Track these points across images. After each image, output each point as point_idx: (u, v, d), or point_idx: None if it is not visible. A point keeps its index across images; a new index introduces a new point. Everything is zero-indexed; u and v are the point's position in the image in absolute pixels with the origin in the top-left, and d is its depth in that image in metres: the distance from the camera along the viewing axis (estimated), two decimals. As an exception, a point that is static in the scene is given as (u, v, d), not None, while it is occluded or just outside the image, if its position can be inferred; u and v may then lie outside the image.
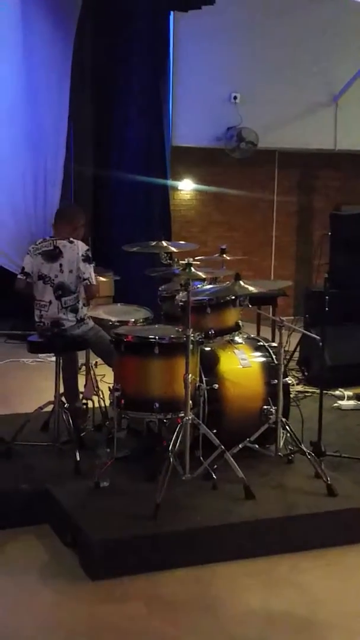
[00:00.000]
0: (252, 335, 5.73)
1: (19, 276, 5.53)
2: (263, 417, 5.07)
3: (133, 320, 5.57)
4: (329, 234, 8.30)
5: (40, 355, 7.59)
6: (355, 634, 3.72)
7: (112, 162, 9.97)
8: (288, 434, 5.02)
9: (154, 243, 5.84)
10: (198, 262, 5.19)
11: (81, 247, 5.39)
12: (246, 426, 5.02)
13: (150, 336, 4.85)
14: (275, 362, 5.14)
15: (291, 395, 5.55)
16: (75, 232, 5.53)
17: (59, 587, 4.04)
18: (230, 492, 4.65)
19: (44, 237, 5.60)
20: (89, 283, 5.35)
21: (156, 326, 5.41)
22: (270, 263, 11.48)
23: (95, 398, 5.68)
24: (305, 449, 4.92)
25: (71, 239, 5.42)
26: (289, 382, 5.48)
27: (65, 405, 5.34)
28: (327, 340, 5.39)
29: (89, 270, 5.34)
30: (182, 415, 4.67)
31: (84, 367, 5.74)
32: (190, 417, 4.66)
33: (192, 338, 4.71)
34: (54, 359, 5.55)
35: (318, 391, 5.51)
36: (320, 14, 10.78)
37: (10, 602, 3.95)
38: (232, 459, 4.66)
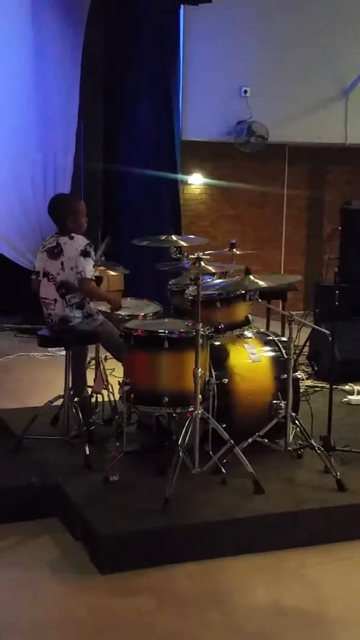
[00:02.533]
0: (262, 330, 5.73)
1: (32, 277, 5.54)
2: (272, 411, 5.06)
3: (143, 314, 5.57)
4: (340, 228, 8.28)
5: (50, 349, 7.60)
6: (364, 629, 3.71)
7: (122, 157, 9.96)
8: (297, 429, 5.01)
9: (163, 237, 5.83)
10: (208, 257, 5.16)
11: (81, 242, 5.31)
12: (256, 420, 5.02)
13: (160, 330, 4.85)
14: (285, 356, 5.12)
15: (301, 390, 5.55)
16: (71, 223, 5.40)
17: (68, 581, 4.05)
18: (240, 487, 4.65)
19: (52, 232, 5.59)
20: (80, 277, 5.26)
21: (166, 320, 5.41)
22: (280, 257, 11.45)
23: (104, 392, 5.68)
24: (314, 444, 4.91)
25: (72, 234, 5.38)
26: (299, 376, 5.47)
27: (75, 399, 5.34)
28: (337, 334, 5.38)
29: (82, 264, 5.25)
30: (192, 409, 4.67)
31: (93, 361, 5.75)
32: (199, 412, 4.66)
33: (201, 332, 4.71)
34: (63, 352, 5.55)
35: (328, 386, 5.50)
36: (331, 8, 10.73)
37: (19, 595, 3.96)
38: (241, 454, 4.65)
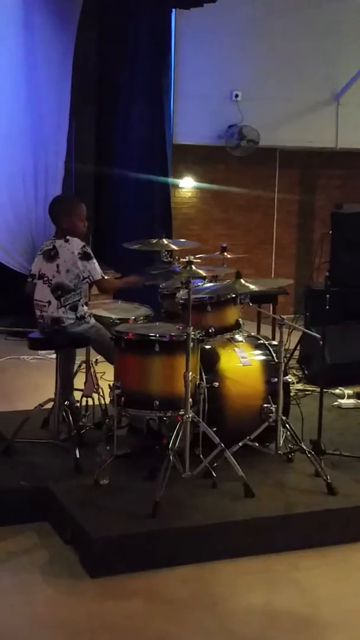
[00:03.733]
0: (253, 334, 5.73)
1: (28, 280, 5.56)
2: (263, 415, 5.06)
3: (133, 317, 5.56)
4: (330, 232, 8.30)
5: (40, 352, 7.59)
6: (355, 633, 3.71)
7: (114, 160, 9.97)
8: (288, 433, 5.02)
9: (154, 241, 5.83)
10: (199, 260, 5.18)
11: (76, 245, 5.31)
12: (246, 424, 5.02)
13: (151, 334, 4.84)
14: (276, 360, 5.13)
15: (291, 394, 5.55)
16: (66, 223, 5.40)
17: (58, 585, 4.04)
18: (230, 490, 4.65)
19: (44, 234, 5.60)
20: (90, 281, 5.28)
21: (157, 324, 5.41)
22: (271, 261, 11.48)
23: (95, 395, 5.67)
24: (305, 448, 4.92)
25: (67, 237, 5.37)
26: (289, 380, 5.47)
27: (66, 403, 5.33)
28: (328, 338, 5.39)
29: (87, 268, 5.25)
30: (182, 413, 4.67)
31: (84, 365, 5.74)
32: (190, 415, 4.66)
33: (192, 336, 4.71)
34: (54, 355, 5.55)
35: (318, 390, 5.50)
36: (322, 12, 10.77)
37: (9, 599, 3.95)
38: (231, 457, 4.65)
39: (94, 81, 9.96)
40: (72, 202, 5.74)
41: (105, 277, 5.37)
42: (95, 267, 5.28)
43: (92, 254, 5.32)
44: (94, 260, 5.30)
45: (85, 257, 5.28)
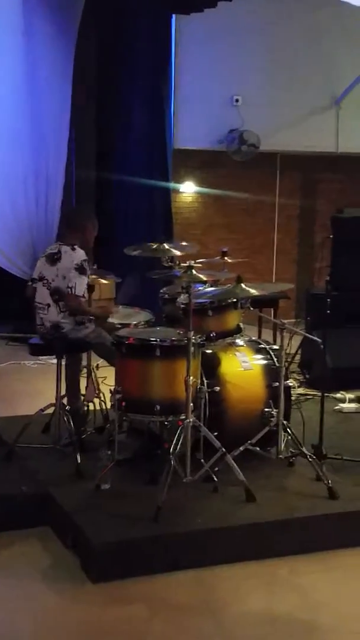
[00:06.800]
0: (254, 338, 5.73)
1: (28, 283, 5.59)
2: (264, 419, 5.06)
3: (134, 322, 5.57)
4: (331, 236, 8.30)
5: (41, 357, 7.58)
6: (356, 638, 3.71)
7: (114, 165, 9.97)
8: (289, 437, 5.02)
9: (155, 245, 5.84)
10: (199, 265, 5.18)
11: (78, 256, 5.35)
12: (247, 429, 5.02)
13: (152, 338, 4.85)
14: (277, 364, 5.13)
15: (292, 398, 5.55)
16: (84, 236, 5.52)
17: (60, 590, 4.04)
18: (232, 495, 4.65)
19: (45, 240, 5.63)
20: (70, 292, 5.27)
21: (157, 328, 5.41)
22: (271, 265, 11.47)
23: (96, 400, 5.67)
24: (306, 452, 4.92)
25: (74, 246, 5.41)
26: (290, 384, 5.48)
27: (67, 408, 5.34)
28: (329, 342, 5.39)
29: (75, 280, 5.27)
30: (183, 417, 4.67)
31: (85, 370, 5.74)
32: (191, 420, 4.66)
33: (193, 340, 4.71)
34: (55, 361, 5.55)
35: (319, 394, 5.50)
36: (322, 16, 10.77)
37: (11, 604, 3.95)
38: (233, 462, 4.65)
39: (95, 87, 9.96)
40: (92, 213, 5.81)
41: (84, 299, 5.35)
42: (82, 283, 5.30)
43: (87, 271, 5.36)
44: (85, 278, 5.34)
45: (79, 270, 5.31)
